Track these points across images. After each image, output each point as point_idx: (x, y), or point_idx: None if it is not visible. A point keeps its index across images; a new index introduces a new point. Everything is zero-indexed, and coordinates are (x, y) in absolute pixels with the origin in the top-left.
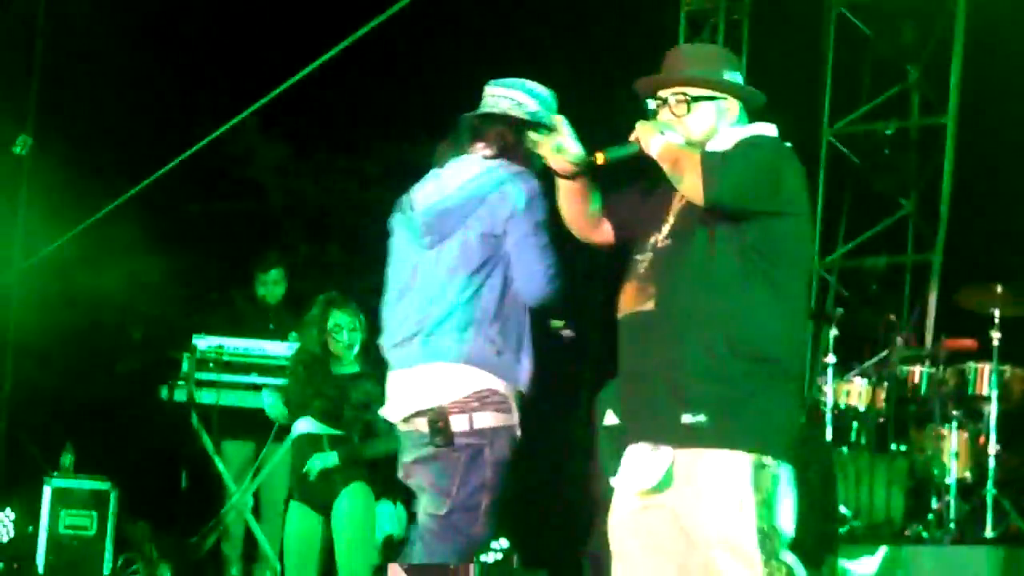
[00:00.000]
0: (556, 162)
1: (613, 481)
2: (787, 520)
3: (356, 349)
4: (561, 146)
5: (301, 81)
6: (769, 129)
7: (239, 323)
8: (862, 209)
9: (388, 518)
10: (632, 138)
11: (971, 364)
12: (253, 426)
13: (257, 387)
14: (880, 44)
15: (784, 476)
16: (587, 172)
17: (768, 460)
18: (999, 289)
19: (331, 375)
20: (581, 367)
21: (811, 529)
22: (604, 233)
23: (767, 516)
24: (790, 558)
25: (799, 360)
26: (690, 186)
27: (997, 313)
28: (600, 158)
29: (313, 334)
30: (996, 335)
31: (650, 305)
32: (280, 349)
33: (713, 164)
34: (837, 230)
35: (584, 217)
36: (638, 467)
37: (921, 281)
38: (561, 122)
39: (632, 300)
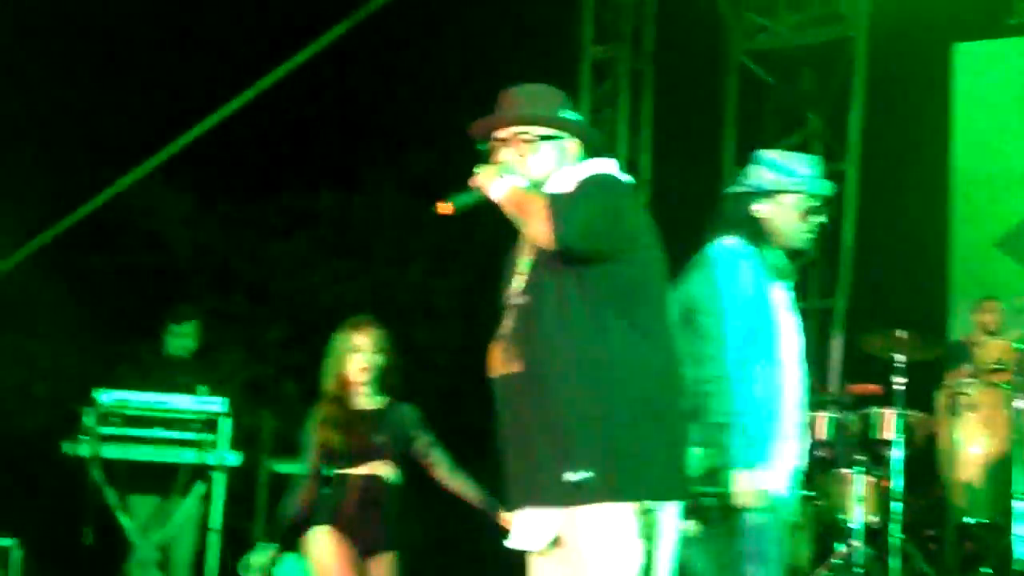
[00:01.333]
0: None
1: (507, 543)
2: (669, 558)
3: (373, 374)
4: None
5: (205, 131)
6: (609, 166)
7: (145, 377)
8: None
9: (292, 571)
10: (473, 184)
11: (874, 409)
12: (158, 480)
13: (162, 441)
14: (781, 92)
15: (669, 516)
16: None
17: (652, 504)
18: (903, 335)
19: (358, 416)
20: None
21: None
22: None
23: (647, 564)
24: None
25: (675, 394)
26: (537, 231)
27: (902, 359)
28: (446, 208)
29: (328, 370)
30: (900, 380)
31: (517, 366)
32: (186, 403)
33: (559, 207)
34: None
35: None
36: (526, 531)
37: (825, 326)
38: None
39: (500, 362)
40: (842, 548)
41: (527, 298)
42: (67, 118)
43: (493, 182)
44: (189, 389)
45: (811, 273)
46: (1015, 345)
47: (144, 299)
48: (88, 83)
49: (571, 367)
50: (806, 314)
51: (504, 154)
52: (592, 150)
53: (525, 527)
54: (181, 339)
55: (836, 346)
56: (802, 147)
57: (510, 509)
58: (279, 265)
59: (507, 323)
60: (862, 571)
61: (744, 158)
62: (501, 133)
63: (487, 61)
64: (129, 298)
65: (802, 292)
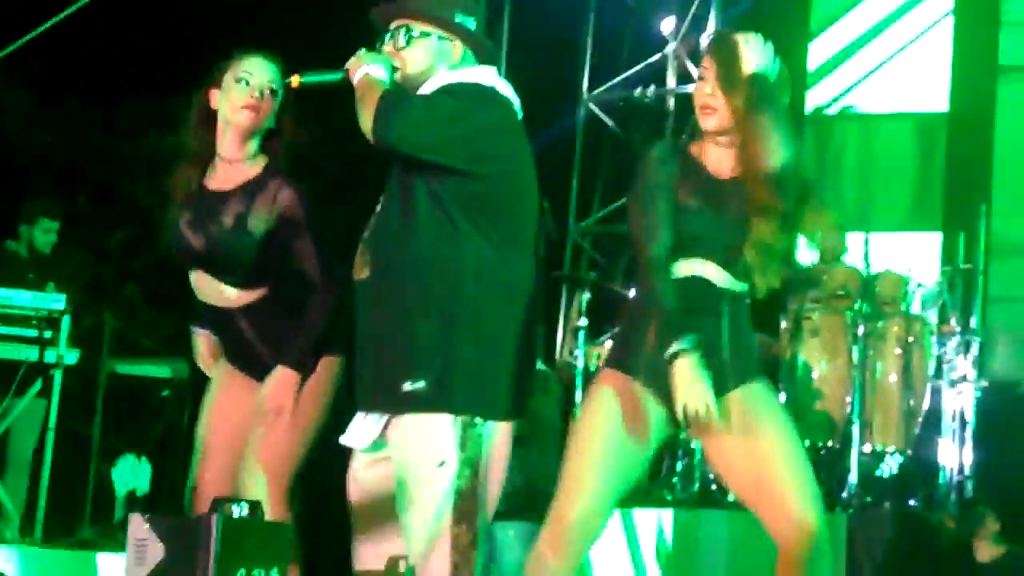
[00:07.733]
0: None
1: (341, 439)
2: (495, 481)
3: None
4: None
5: (51, 27)
6: (485, 75)
7: None
8: (617, 176)
9: (131, 472)
10: (347, 65)
11: None
12: None
13: (1, 337)
14: (641, 12)
15: (498, 436)
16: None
17: (479, 420)
18: None
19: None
20: None
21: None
22: None
23: (468, 476)
24: (480, 525)
25: (525, 312)
26: (364, 124)
27: None
28: (295, 81)
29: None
30: None
31: (366, 273)
32: (26, 299)
33: (390, 104)
34: (592, 196)
35: None
36: (356, 429)
37: None
38: None
39: (357, 267)
40: (681, 466)
41: (382, 203)
42: None
43: (357, 67)
44: (38, 287)
45: None
46: (859, 272)
47: None
48: None
49: (417, 279)
50: None
51: (387, 46)
52: (483, 58)
53: (355, 427)
54: (48, 235)
55: None
56: (658, 68)
57: (357, 410)
58: (126, 168)
59: (367, 228)
60: (699, 490)
61: (599, 76)
62: (393, 24)
63: None
64: None
65: None
